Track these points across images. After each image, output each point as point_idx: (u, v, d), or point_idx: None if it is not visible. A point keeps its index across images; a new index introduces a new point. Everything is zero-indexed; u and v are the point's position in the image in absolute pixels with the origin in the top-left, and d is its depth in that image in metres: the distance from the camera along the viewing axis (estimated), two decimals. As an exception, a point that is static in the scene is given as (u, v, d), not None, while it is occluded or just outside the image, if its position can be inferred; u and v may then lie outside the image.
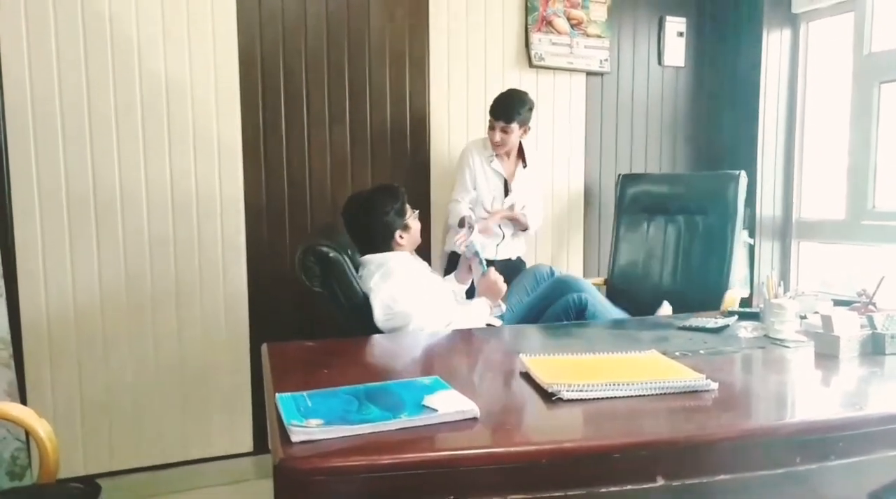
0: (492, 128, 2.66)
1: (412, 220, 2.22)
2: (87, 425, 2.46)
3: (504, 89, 2.76)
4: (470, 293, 2.44)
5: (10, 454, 2.23)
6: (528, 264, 3.02)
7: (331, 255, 2.03)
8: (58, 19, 2.30)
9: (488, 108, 2.69)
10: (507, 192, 2.78)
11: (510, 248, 2.84)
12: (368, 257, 2.16)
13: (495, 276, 2.25)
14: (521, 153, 2.80)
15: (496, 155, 2.73)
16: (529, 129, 2.73)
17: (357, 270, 2.13)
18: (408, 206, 2.22)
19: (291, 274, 2.70)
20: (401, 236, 2.18)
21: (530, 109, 2.68)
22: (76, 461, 2.44)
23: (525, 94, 2.70)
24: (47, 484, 1.58)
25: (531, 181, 2.84)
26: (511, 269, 2.66)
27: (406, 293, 2.01)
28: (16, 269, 2.32)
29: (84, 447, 2.46)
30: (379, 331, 2.01)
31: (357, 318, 2.04)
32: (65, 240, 2.38)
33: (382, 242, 2.16)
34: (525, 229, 2.82)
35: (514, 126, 2.64)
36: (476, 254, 2.31)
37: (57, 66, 2.32)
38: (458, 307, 2.21)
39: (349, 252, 2.16)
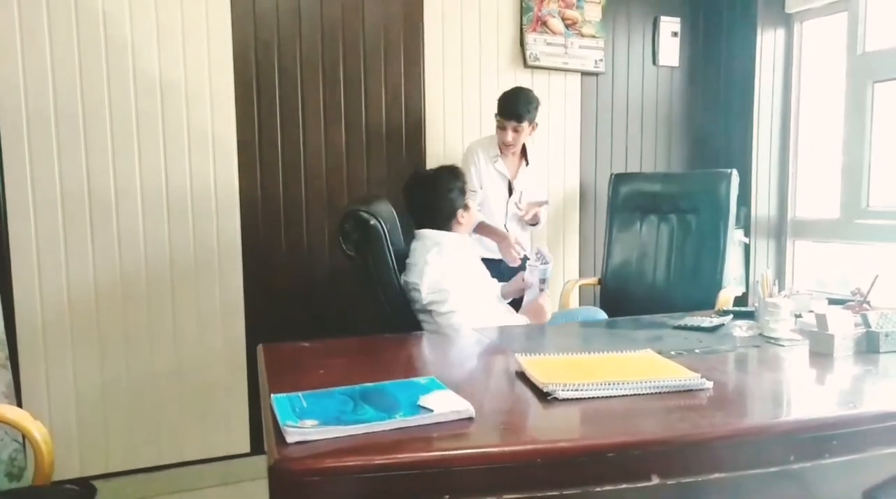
0: (503, 128, 2.64)
1: (471, 201, 2.26)
2: (82, 427, 2.46)
3: (499, 90, 2.75)
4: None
5: (8, 456, 2.22)
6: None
7: (371, 222, 2.04)
8: (51, 17, 2.30)
9: (492, 109, 2.69)
10: (510, 191, 2.77)
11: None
12: (426, 232, 2.16)
13: (546, 302, 2.26)
14: (523, 151, 2.79)
15: (502, 155, 2.72)
16: (537, 126, 2.72)
17: (409, 244, 2.16)
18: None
19: (287, 273, 2.71)
20: (462, 216, 2.20)
21: (537, 107, 2.67)
22: (72, 463, 2.43)
23: (531, 91, 2.69)
24: (42, 486, 1.58)
25: (535, 179, 2.84)
26: (517, 270, 2.64)
27: (453, 274, 2.04)
28: (10, 270, 2.31)
29: (80, 449, 2.46)
30: (392, 309, 2.03)
31: (382, 290, 2.05)
32: (59, 240, 2.37)
33: (445, 219, 2.19)
34: (536, 224, 2.81)
35: (525, 125, 2.63)
36: (543, 281, 2.30)
37: (50, 63, 2.31)
38: (500, 309, 2.24)
39: (387, 225, 2.16)
